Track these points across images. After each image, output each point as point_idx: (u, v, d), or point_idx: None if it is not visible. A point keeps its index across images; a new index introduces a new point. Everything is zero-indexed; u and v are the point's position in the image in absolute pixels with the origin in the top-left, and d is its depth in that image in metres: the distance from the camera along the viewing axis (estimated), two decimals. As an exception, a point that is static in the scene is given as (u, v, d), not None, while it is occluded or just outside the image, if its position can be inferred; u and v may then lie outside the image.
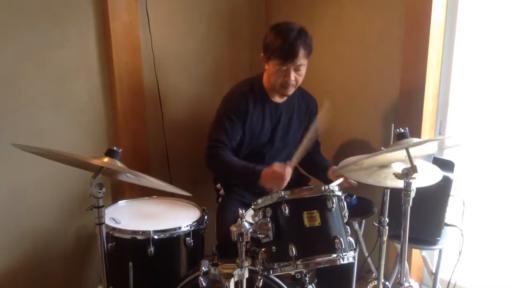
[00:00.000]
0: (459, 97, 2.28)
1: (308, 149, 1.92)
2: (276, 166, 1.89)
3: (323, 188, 1.46)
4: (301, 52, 1.94)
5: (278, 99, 2.16)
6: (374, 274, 2.34)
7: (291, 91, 2.07)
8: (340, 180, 1.90)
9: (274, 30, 1.99)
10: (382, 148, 1.67)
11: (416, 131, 2.22)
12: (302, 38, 1.94)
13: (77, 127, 2.19)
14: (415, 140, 1.60)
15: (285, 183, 1.86)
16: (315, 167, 2.26)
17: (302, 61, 1.97)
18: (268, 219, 1.43)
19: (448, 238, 2.05)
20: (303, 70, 2.02)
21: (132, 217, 1.95)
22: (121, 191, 2.34)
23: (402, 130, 1.61)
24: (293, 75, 1.98)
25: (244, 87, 2.14)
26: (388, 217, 1.81)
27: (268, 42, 1.99)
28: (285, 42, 1.92)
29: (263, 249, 1.42)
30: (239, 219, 1.37)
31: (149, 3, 2.30)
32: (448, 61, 2.26)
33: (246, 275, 1.39)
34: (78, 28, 2.12)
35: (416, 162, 1.54)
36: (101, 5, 2.15)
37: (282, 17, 2.16)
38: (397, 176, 1.55)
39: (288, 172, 1.87)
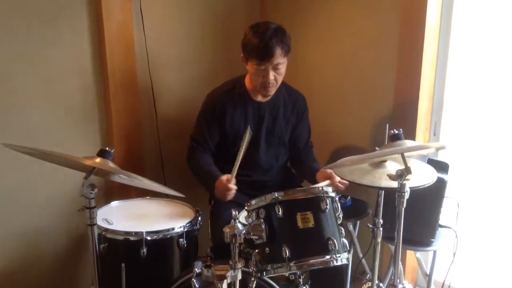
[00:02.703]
0: (453, 99, 2.28)
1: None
2: (223, 177, 1.92)
3: (317, 189, 1.45)
4: (278, 51, 1.94)
5: (261, 98, 2.17)
6: (368, 276, 2.34)
7: (272, 90, 2.08)
8: (326, 182, 1.90)
9: (251, 29, 2.00)
10: (377, 148, 1.67)
11: (410, 132, 2.21)
12: (279, 36, 1.95)
13: (69, 127, 2.18)
14: (409, 142, 1.60)
15: (230, 194, 1.89)
16: (304, 168, 2.25)
17: (280, 60, 1.97)
18: (262, 221, 1.42)
19: (442, 240, 2.05)
20: (282, 69, 2.02)
21: (125, 218, 1.93)
22: (114, 191, 2.32)
23: (396, 131, 1.61)
24: (271, 74, 1.99)
25: (223, 88, 2.17)
26: (382, 218, 1.81)
27: (246, 42, 2.00)
28: (261, 41, 1.93)
29: (256, 251, 1.42)
30: (232, 221, 1.37)
31: (143, 3, 2.29)
32: (443, 63, 2.26)
33: (239, 276, 1.39)
34: (71, 27, 2.10)
35: (410, 162, 1.54)
36: (95, 5, 2.14)
37: (277, 19, 2.15)
38: (391, 177, 1.55)
39: (228, 182, 1.88)
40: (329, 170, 1.98)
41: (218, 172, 2.05)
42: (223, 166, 2.24)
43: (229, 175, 1.91)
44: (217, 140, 2.18)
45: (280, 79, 2.06)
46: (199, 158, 2.16)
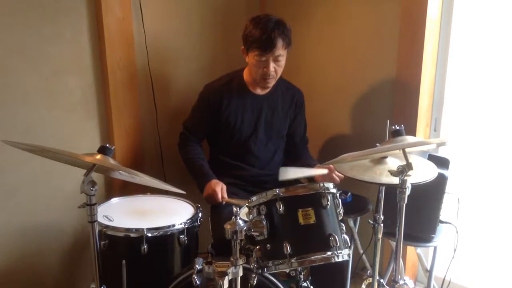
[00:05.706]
0: (454, 95, 2.28)
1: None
2: (214, 183, 2.04)
3: (318, 185, 1.45)
4: (279, 43, 1.97)
5: (259, 91, 2.19)
6: (368, 271, 2.34)
7: (271, 82, 2.11)
8: (324, 171, 1.90)
9: (252, 21, 2.02)
10: (377, 144, 1.66)
11: (411, 128, 2.21)
12: (280, 28, 1.97)
13: (69, 123, 2.17)
14: (410, 138, 1.59)
15: (218, 198, 2.00)
16: (301, 164, 2.23)
17: (281, 51, 2.00)
18: (263, 217, 1.42)
19: (443, 235, 2.05)
20: (282, 61, 2.05)
21: (125, 214, 1.92)
22: (115, 188, 2.32)
23: (398, 127, 1.60)
24: (272, 66, 2.01)
25: (220, 81, 2.20)
26: (383, 214, 1.80)
27: (247, 34, 2.02)
28: (263, 33, 1.95)
29: (257, 247, 1.41)
30: (233, 217, 1.36)
31: (142, -2, 2.28)
32: (443, 58, 2.25)
33: (241, 273, 1.38)
34: (70, 23, 2.09)
35: (411, 158, 1.54)
36: (94, 0, 2.12)
37: (277, 12, 2.14)
38: (392, 173, 1.54)
39: (218, 191, 2.00)
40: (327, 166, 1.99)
41: (211, 173, 2.12)
42: (221, 157, 2.24)
43: (223, 185, 2.03)
44: (208, 131, 2.24)
45: (280, 71, 2.08)
46: (190, 147, 2.23)
